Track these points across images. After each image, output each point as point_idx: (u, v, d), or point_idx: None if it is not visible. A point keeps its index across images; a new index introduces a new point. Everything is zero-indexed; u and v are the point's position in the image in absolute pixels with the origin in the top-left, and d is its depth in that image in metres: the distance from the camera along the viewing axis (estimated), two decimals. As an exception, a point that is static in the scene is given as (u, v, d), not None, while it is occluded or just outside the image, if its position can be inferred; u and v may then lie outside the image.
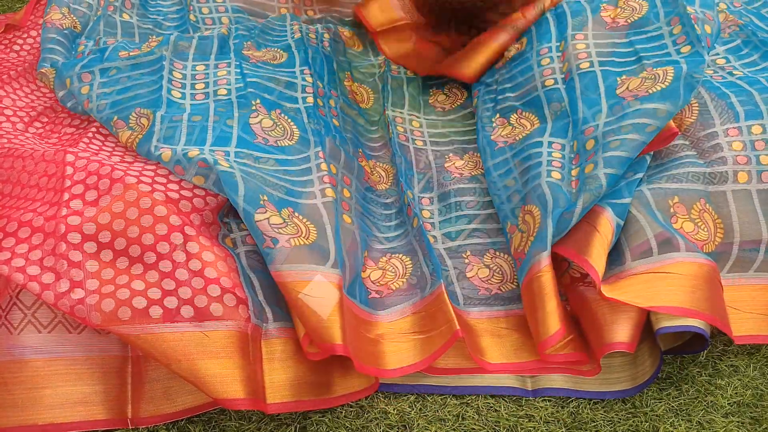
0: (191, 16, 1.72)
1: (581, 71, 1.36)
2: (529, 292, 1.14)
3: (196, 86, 1.42)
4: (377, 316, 1.18)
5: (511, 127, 1.44)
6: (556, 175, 1.25)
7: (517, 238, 1.24)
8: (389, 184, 1.46)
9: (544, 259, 1.12)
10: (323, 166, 1.29)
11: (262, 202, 1.16)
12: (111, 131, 1.31)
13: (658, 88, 1.25)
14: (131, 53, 1.46)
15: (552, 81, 1.40)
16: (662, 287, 1.09)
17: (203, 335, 1.04)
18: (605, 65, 1.36)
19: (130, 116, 1.31)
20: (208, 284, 1.07)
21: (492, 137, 1.45)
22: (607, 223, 1.14)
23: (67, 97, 1.40)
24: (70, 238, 1.06)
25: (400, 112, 1.60)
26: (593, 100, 1.31)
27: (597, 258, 1.10)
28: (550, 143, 1.33)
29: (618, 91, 1.30)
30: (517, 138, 1.40)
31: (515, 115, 1.44)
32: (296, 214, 1.19)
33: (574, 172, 1.26)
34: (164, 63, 1.43)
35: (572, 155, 1.30)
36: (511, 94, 1.47)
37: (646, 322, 1.13)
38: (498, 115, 1.48)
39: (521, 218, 1.25)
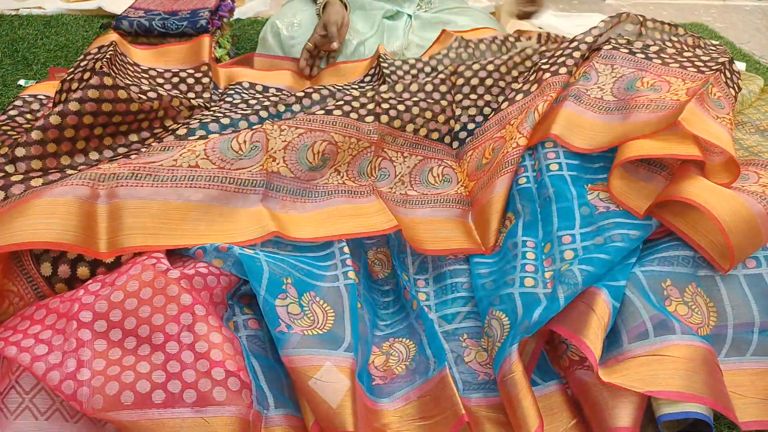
0: None
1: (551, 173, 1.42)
2: (503, 392, 1.13)
3: None
4: (381, 405, 1.17)
5: None
6: (529, 282, 1.26)
7: (486, 340, 1.26)
8: (389, 271, 1.48)
9: (511, 357, 1.12)
10: (346, 249, 1.31)
11: (284, 287, 1.18)
12: None
13: None
14: None
15: (524, 179, 1.46)
16: (659, 370, 1.10)
17: (204, 421, 1.01)
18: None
19: None
20: (213, 367, 1.06)
21: None
22: (604, 304, 1.16)
23: None
24: (82, 317, 1.06)
25: None
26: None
27: (594, 339, 1.11)
28: (524, 242, 1.35)
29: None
30: None
31: None
32: (317, 298, 1.20)
33: (548, 275, 1.27)
34: None
35: (544, 257, 1.32)
36: None
37: (647, 407, 1.13)
38: None
39: (488, 322, 1.25)
